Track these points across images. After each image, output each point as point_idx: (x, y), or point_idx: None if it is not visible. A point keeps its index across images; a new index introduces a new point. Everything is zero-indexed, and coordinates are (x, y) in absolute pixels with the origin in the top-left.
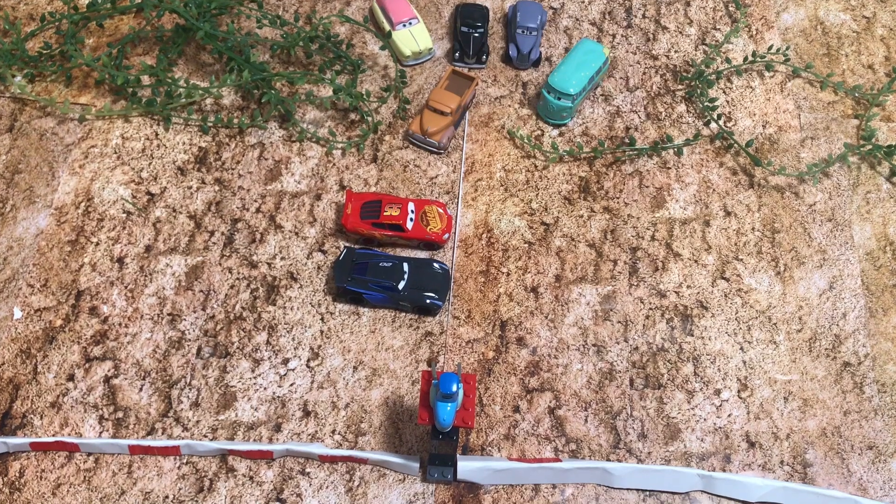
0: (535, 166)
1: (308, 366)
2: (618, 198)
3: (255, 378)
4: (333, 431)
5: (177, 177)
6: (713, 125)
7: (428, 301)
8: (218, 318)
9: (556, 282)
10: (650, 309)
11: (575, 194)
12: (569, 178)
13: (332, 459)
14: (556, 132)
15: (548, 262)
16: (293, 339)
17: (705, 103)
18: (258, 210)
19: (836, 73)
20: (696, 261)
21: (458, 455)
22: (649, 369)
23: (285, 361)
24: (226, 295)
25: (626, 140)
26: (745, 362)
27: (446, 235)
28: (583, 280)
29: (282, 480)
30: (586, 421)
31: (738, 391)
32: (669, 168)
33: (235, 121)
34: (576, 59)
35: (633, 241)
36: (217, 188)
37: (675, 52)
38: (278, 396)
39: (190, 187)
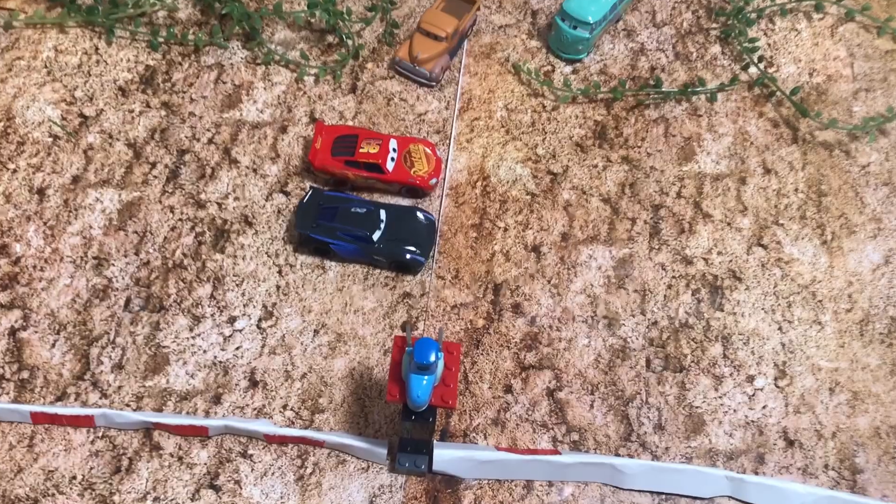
0: (544, 106)
1: (259, 327)
2: (639, 147)
3: (193, 338)
4: (285, 407)
5: (116, 98)
6: (752, 70)
7: (408, 256)
8: (154, 264)
9: (563, 241)
10: (673, 277)
11: (589, 140)
12: (582, 121)
13: (282, 440)
14: (569, 68)
15: (553, 218)
16: (243, 295)
17: (744, 44)
18: (210, 141)
19: None
20: (728, 223)
21: (434, 441)
22: (670, 348)
23: (232, 320)
24: (165, 238)
25: (652, 82)
26: (783, 345)
27: (434, 181)
28: (594, 240)
29: (217, 463)
30: (592, 407)
31: (776, 379)
32: (700, 116)
33: (191, 37)
34: None
35: (655, 197)
36: (164, 113)
37: None
38: (220, 361)
39: (132, 111)
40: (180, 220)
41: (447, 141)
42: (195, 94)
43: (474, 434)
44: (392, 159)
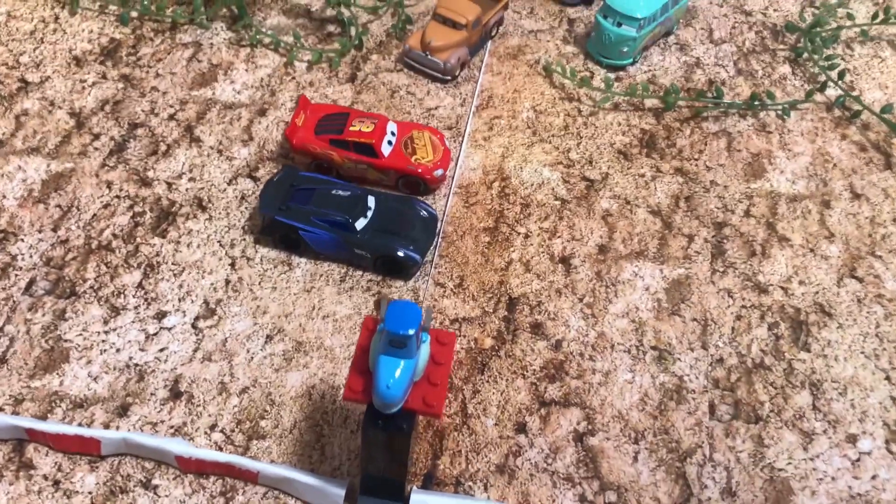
0: (579, 111)
1: (195, 326)
2: (696, 159)
3: (106, 333)
4: (213, 427)
5: (68, 67)
6: (830, 92)
7: (400, 252)
8: (73, 243)
9: (600, 253)
10: (743, 307)
11: (634, 148)
12: (626, 128)
13: (201, 468)
14: (611, 75)
15: (588, 227)
16: (180, 287)
17: (820, 62)
18: (171, 117)
19: None
20: (812, 250)
21: (413, 487)
22: (741, 393)
23: (160, 315)
24: (94, 216)
25: (712, 93)
26: (894, 399)
27: (439, 172)
28: (641, 256)
29: (107, 494)
30: (636, 459)
31: (887, 441)
32: (770, 132)
33: (168, 11)
34: None
35: (717, 214)
36: (121, 86)
37: (775, 10)
38: (136, 364)
39: (84, 81)
40: (117, 196)
41: (459, 137)
42: (162, 70)
43: (470, 483)
44: (389, 143)
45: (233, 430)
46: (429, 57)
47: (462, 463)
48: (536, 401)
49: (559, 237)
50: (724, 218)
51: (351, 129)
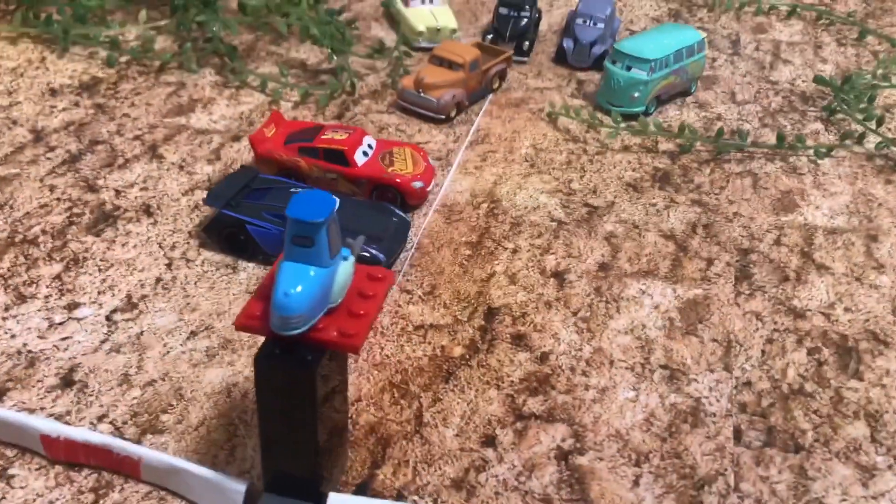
0: (585, 150)
1: (109, 318)
2: (717, 194)
3: (3, 319)
4: (102, 418)
5: (42, 96)
6: (868, 145)
7: (375, 258)
8: None
9: (601, 271)
10: (776, 330)
11: (646, 182)
12: (637, 166)
13: (71, 456)
14: (622, 125)
15: (588, 246)
16: (103, 282)
17: (855, 113)
18: (137, 137)
19: None
20: (857, 279)
21: (330, 492)
22: (775, 419)
23: (72, 306)
24: (27, 213)
25: (735, 139)
26: None
27: (418, 184)
28: (650, 275)
29: None
30: (637, 484)
31: None
32: (802, 174)
33: (153, 57)
34: (656, 32)
35: (742, 241)
36: (92, 112)
37: (803, 81)
38: (30, 351)
39: (54, 107)
40: (58, 199)
41: (448, 167)
42: (139, 102)
43: (416, 498)
44: (364, 153)
45: (125, 423)
46: (422, 95)
47: (408, 474)
48: (512, 413)
49: (553, 254)
50: (750, 245)
51: (322, 137)
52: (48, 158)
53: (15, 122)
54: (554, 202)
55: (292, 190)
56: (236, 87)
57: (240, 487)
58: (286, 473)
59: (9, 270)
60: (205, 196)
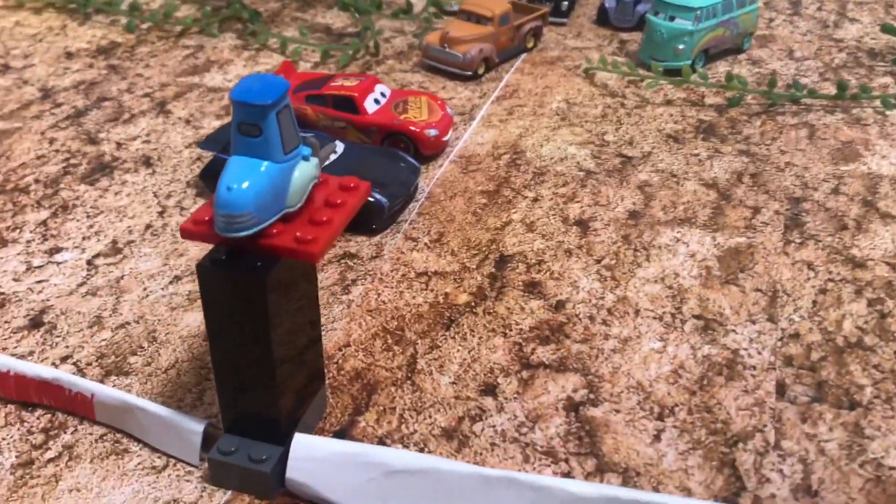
0: (623, 105)
1: (90, 263)
2: (767, 145)
3: None
4: (66, 358)
5: (58, 59)
6: None
7: (371, 199)
8: None
9: (631, 219)
10: (830, 280)
11: (688, 134)
12: (679, 118)
13: (23, 394)
14: (663, 82)
15: (618, 195)
16: (91, 228)
17: None
18: (147, 95)
19: None
20: None
21: (296, 433)
22: (826, 373)
23: (53, 251)
24: (22, 164)
25: (791, 87)
26: None
27: (432, 131)
28: (687, 223)
29: None
30: (658, 439)
31: None
32: (867, 125)
33: (177, 15)
34: None
35: (794, 190)
36: (105, 72)
37: (872, 38)
38: (2, 293)
39: (67, 68)
40: (56, 150)
41: (470, 121)
42: (154, 63)
43: (399, 446)
44: (376, 101)
45: (89, 364)
46: (447, 50)
47: (393, 422)
48: (518, 362)
49: (578, 202)
50: (803, 194)
51: (332, 84)
52: (52, 114)
53: (26, 82)
54: (584, 153)
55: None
56: (256, 50)
57: (197, 428)
58: (247, 411)
59: None
60: (201, 140)
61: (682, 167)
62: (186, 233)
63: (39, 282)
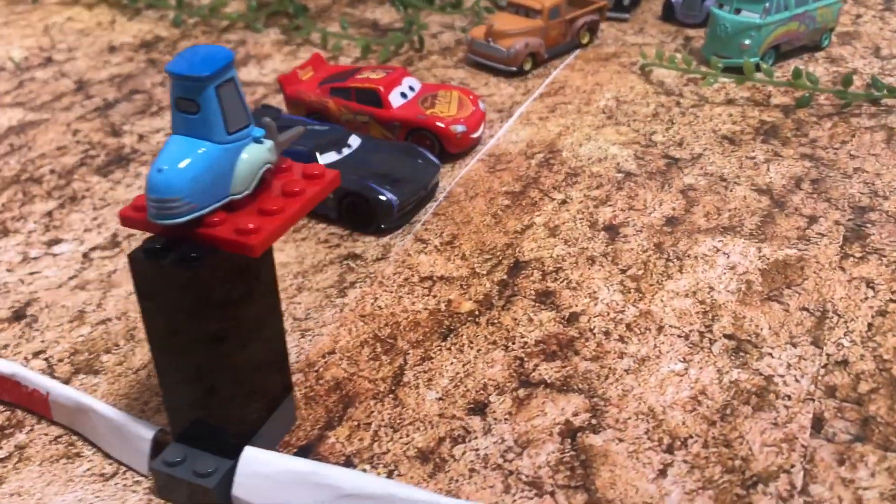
0: (678, 103)
1: (86, 256)
2: (836, 149)
3: None
4: (38, 353)
5: (100, 53)
6: None
7: (380, 196)
8: (3, 174)
9: (668, 225)
10: (893, 301)
11: (746, 135)
12: (739, 119)
13: None
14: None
15: (657, 199)
16: (94, 220)
17: None
18: None
19: None
20: None
21: (246, 447)
22: (875, 407)
23: (53, 242)
24: (42, 154)
25: (871, 86)
26: None
27: (459, 128)
28: (730, 231)
29: None
30: (663, 474)
31: None
32: None
33: (225, 12)
34: None
35: (860, 198)
36: (143, 66)
37: None
38: None
39: (107, 62)
40: (78, 142)
41: (508, 118)
42: None
43: (367, 466)
44: (402, 95)
45: (60, 360)
46: (491, 44)
47: (365, 440)
48: (516, 379)
49: (610, 206)
50: (870, 203)
51: (357, 77)
52: (82, 106)
53: (64, 75)
54: (626, 154)
55: (310, 128)
56: (297, 45)
57: (147, 434)
58: (195, 419)
59: (3, 206)
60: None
61: (733, 171)
62: (126, 220)
63: (32, 273)
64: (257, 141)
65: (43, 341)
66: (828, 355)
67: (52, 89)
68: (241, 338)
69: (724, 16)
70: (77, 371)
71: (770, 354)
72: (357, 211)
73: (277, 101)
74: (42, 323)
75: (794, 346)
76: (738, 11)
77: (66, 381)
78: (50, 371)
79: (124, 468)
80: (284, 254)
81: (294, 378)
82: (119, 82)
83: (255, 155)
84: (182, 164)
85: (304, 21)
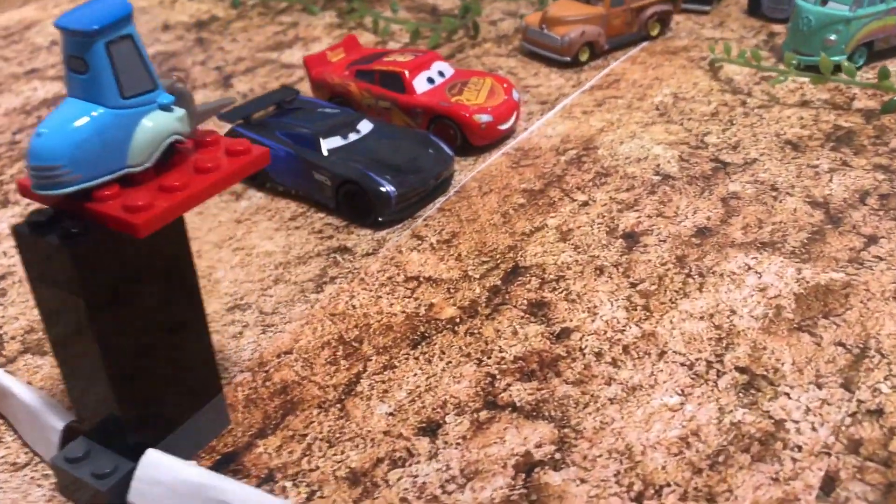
0: (744, 103)
1: None
2: None
3: None
4: None
5: (153, 31)
6: None
7: (378, 187)
8: (22, 146)
9: (697, 237)
10: None
11: (814, 141)
12: (811, 122)
13: None
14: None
15: (692, 206)
16: None
17: None
18: (218, 68)
19: None
20: None
21: (149, 450)
22: None
23: None
24: None
25: None
26: None
27: (483, 117)
28: (769, 247)
29: None
30: None
31: None
32: None
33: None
34: None
35: None
36: (190, 45)
37: None
38: None
39: (158, 39)
40: None
41: (548, 108)
42: (242, 38)
43: (289, 483)
44: (429, 80)
45: (13, 337)
46: (545, 32)
47: (296, 452)
48: (481, 399)
49: (636, 210)
50: None
51: (384, 59)
52: None
53: None
54: (670, 154)
55: (320, 110)
56: (349, 28)
57: (57, 424)
58: (100, 413)
59: (11, 177)
60: (224, 111)
61: (789, 179)
62: (23, 189)
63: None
64: (165, 109)
65: (3, 316)
66: (859, 402)
67: None
68: (140, 329)
69: (808, 7)
70: (25, 350)
71: (787, 394)
72: (354, 201)
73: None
74: (9, 298)
75: (820, 387)
76: (824, 2)
77: (12, 360)
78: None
79: (38, 459)
80: (273, 242)
81: (240, 378)
82: (160, 61)
83: (159, 124)
84: (65, 129)
85: (359, 4)
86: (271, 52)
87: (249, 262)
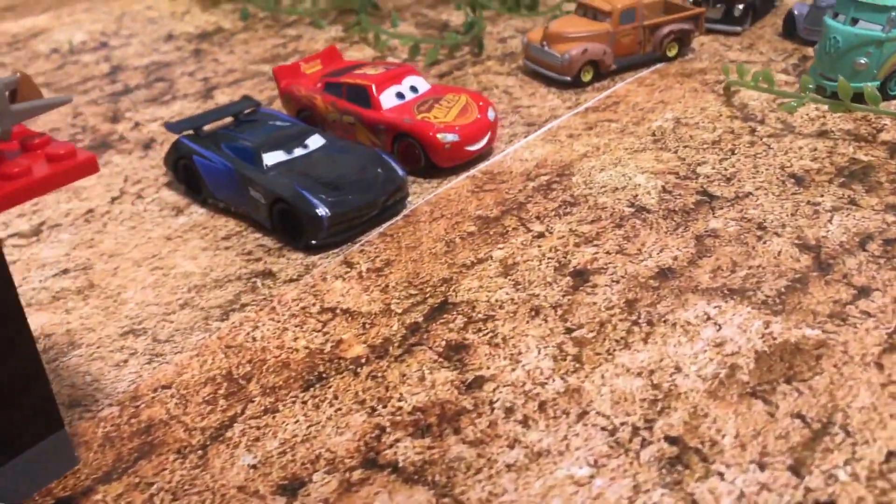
0: (754, 131)
1: (2, 242)
2: None
3: None
4: None
5: (155, 41)
6: None
7: (310, 208)
8: None
9: (656, 279)
10: None
11: (822, 176)
12: (825, 155)
13: None
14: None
15: (660, 244)
16: (34, 205)
17: None
18: (204, 80)
19: None
20: None
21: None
22: None
23: None
24: None
25: None
26: None
27: (446, 136)
28: (737, 295)
29: None
30: None
31: None
32: None
33: (285, 11)
34: None
35: None
36: (186, 56)
37: None
38: None
39: (156, 49)
40: (72, 125)
41: (534, 131)
42: (240, 50)
43: None
44: (398, 95)
45: None
46: (545, 49)
47: (136, 503)
48: (361, 455)
49: (595, 245)
50: None
51: (355, 72)
52: (101, 90)
53: (107, 60)
54: (653, 184)
55: (272, 123)
56: (352, 43)
57: None
58: None
59: None
60: (170, 121)
61: (781, 217)
62: None
63: None
64: None
65: None
66: (807, 490)
67: (86, 73)
68: None
69: (835, 26)
70: None
71: (721, 474)
72: (288, 221)
73: None
74: None
75: (762, 467)
76: (854, 22)
77: None
78: None
79: None
80: (195, 263)
81: (107, 412)
82: (152, 70)
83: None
84: None
85: (363, 18)
86: (264, 65)
87: (164, 282)
